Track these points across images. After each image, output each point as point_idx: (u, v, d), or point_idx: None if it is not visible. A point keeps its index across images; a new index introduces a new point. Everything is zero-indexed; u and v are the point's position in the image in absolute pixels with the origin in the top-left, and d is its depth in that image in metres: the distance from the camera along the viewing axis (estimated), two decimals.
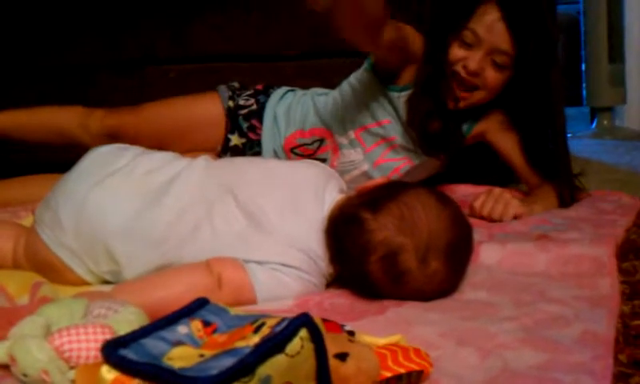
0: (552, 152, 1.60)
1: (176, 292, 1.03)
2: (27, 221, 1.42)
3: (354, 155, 1.62)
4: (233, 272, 1.06)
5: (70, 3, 2.05)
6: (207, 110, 1.73)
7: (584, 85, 3.12)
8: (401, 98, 1.58)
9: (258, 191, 1.14)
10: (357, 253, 1.04)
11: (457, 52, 1.51)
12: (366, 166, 1.62)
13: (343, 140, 1.63)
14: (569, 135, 1.65)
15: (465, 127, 1.64)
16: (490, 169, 1.80)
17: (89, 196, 1.14)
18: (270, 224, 1.10)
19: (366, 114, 1.61)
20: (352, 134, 1.62)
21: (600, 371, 0.79)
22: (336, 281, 1.13)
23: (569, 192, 1.57)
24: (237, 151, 1.70)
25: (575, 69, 3.13)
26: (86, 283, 1.16)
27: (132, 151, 1.23)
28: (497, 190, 1.50)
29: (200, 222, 1.12)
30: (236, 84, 1.77)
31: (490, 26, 1.47)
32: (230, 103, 1.72)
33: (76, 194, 1.15)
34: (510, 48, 1.48)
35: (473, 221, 1.44)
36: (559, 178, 1.57)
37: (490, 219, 1.46)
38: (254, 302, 1.06)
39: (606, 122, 3.09)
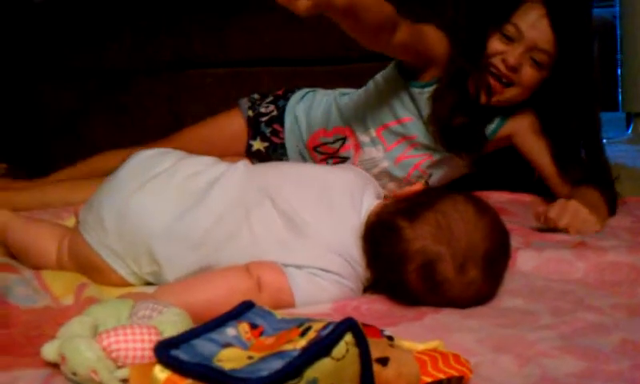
0: (586, 160, 1.59)
1: (217, 295, 1.05)
2: (69, 222, 1.45)
3: (374, 153, 1.63)
4: (272, 275, 1.08)
5: (105, 6, 2.09)
6: (230, 125, 1.80)
7: (620, 90, 3.09)
8: (423, 94, 1.58)
9: (295, 196, 1.16)
10: (394, 261, 1.04)
11: (497, 45, 1.50)
12: (386, 163, 1.63)
13: (365, 138, 1.64)
14: (604, 141, 1.64)
15: (492, 126, 1.62)
16: (521, 174, 1.78)
17: (131, 198, 1.17)
18: (309, 228, 1.12)
19: (387, 111, 1.63)
20: (373, 133, 1.63)
21: (639, 381, 0.79)
22: (373, 285, 1.14)
23: (614, 201, 1.56)
24: (260, 155, 1.74)
25: (611, 73, 3.10)
26: (128, 284, 1.18)
27: (173, 155, 1.26)
28: (572, 204, 1.41)
29: (239, 226, 1.14)
30: (256, 95, 1.81)
31: (533, 22, 1.47)
32: (250, 112, 1.77)
33: (119, 196, 1.18)
34: (551, 47, 1.48)
35: (509, 227, 1.45)
36: (603, 186, 1.54)
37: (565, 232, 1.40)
38: (292, 305, 1.07)
39: None
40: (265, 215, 1.14)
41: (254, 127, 1.75)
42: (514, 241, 1.31)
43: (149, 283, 1.19)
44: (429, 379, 0.77)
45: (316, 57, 1.96)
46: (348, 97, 1.71)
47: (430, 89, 1.57)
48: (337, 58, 1.96)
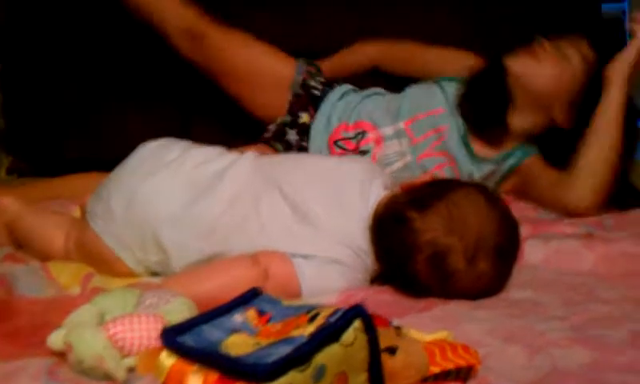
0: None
1: (224, 284, 1.04)
2: (76, 213, 1.45)
3: (397, 147, 1.61)
4: (279, 265, 1.07)
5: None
6: (278, 68, 1.75)
7: None
8: (451, 87, 1.61)
9: (304, 186, 1.16)
10: (403, 252, 1.04)
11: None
12: (409, 158, 1.60)
13: (389, 130, 1.62)
14: None
15: (513, 160, 1.59)
16: None
17: (140, 186, 1.17)
18: (317, 219, 1.11)
19: (420, 103, 1.63)
20: (401, 125, 1.61)
21: None
22: (381, 277, 1.14)
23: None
24: (304, 128, 1.70)
25: None
26: (134, 275, 1.18)
27: (181, 145, 1.26)
28: None
29: (248, 215, 1.13)
30: (314, 67, 1.78)
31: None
32: (301, 78, 1.73)
33: (128, 185, 1.18)
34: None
35: (518, 218, 1.44)
36: None
37: None
38: (298, 295, 1.06)
39: None
40: (274, 205, 1.14)
41: (307, 95, 1.72)
42: (523, 232, 1.31)
43: (155, 274, 1.19)
44: (437, 369, 0.77)
45: (316, 50, 1.92)
46: (382, 96, 1.72)
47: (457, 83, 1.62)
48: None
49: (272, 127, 1.74)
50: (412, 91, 1.68)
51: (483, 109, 1.58)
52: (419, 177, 1.14)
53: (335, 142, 1.65)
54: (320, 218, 1.11)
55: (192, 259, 1.13)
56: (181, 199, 1.16)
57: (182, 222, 1.14)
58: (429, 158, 1.60)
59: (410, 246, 1.02)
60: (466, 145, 1.58)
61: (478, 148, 1.59)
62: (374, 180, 1.18)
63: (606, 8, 2.68)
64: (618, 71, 1.49)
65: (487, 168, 1.58)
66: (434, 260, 1.01)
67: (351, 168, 1.22)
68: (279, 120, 1.73)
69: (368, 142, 1.63)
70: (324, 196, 1.14)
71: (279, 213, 1.13)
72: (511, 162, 1.58)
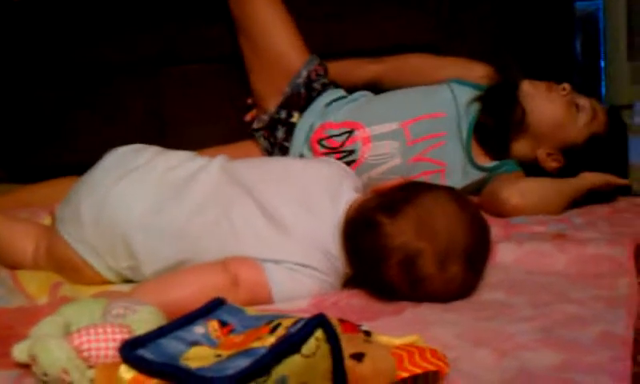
0: None
1: (193, 291, 1.03)
2: (47, 221, 1.43)
3: (387, 148, 1.60)
4: (249, 271, 1.07)
5: (87, 5, 2.06)
6: (292, 56, 1.74)
7: (603, 82, 3.09)
8: (467, 93, 1.63)
9: (273, 191, 1.15)
10: (374, 257, 1.03)
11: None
12: (398, 160, 1.60)
13: (381, 129, 1.61)
14: None
15: (502, 170, 1.60)
16: None
17: (110, 191, 1.16)
18: (287, 223, 1.11)
19: (424, 104, 1.63)
20: (397, 124, 1.61)
21: (618, 372, 0.79)
22: (352, 280, 1.13)
23: None
24: (291, 128, 1.69)
25: (594, 66, 3.10)
26: (105, 282, 1.17)
27: (151, 150, 1.25)
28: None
29: (218, 220, 1.13)
30: (322, 67, 1.76)
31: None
32: (306, 73, 1.72)
33: (97, 190, 1.17)
34: None
35: (488, 219, 1.44)
36: None
37: None
38: (270, 301, 1.06)
39: (625, 120, 3.05)
40: (245, 209, 1.13)
41: (308, 94, 1.71)
42: (494, 233, 1.31)
43: (127, 280, 1.18)
44: (405, 374, 0.76)
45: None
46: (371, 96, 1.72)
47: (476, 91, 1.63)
48: (325, 55, 1.93)
49: (265, 117, 1.73)
50: (415, 91, 1.67)
51: (495, 121, 1.60)
52: (390, 180, 1.14)
53: (319, 141, 1.64)
54: (290, 223, 1.11)
55: (163, 264, 1.13)
56: (150, 204, 1.15)
57: (152, 227, 1.13)
58: (419, 162, 1.59)
59: (381, 251, 1.02)
60: (468, 149, 1.60)
61: (476, 155, 1.61)
62: (343, 182, 1.18)
63: (581, 6, 2.70)
64: (588, 180, 1.53)
65: (478, 175, 1.59)
66: (404, 264, 1.01)
67: (320, 171, 1.22)
68: (273, 113, 1.72)
69: (355, 141, 1.62)
70: (293, 200, 1.14)
71: (250, 217, 1.12)
72: (499, 171, 1.59)
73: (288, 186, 1.16)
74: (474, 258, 1.04)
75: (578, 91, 1.62)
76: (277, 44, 1.75)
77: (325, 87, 1.72)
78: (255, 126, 1.76)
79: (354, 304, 1.04)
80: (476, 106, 1.62)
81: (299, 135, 1.68)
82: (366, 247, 1.05)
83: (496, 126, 1.59)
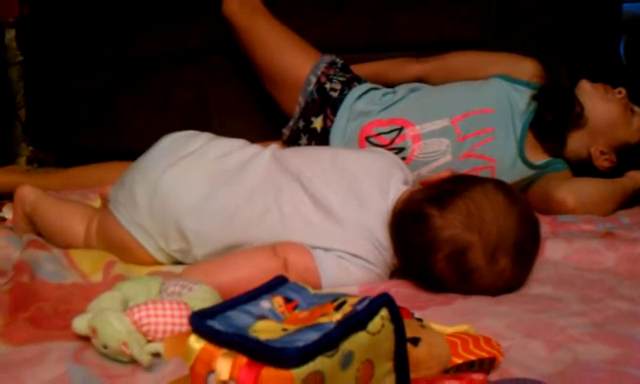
0: None
1: (244, 274, 1.05)
2: (95, 203, 1.46)
3: (437, 145, 1.59)
4: (299, 256, 1.08)
5: None
6: (297, 67, 1.74)
7: None
8: (525, 92, 1.63)
9: (324, 180, 1.16)
10: (422, 249, 1.03)
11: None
12: (449, 157, 1.59)
13: (431, 127, 1.61)
14: None
15: (552, 168, 1.62)
16: None
17: (163, 175, 1.18)
18: (337, 212, 1.11)
19: (473, 99, 1.63)
20: (447, 121, 1.60)
21: None
22: (400, 272, 1.14)
23: None
24: (314, 134, 1.69)
25: (638, 68, 3.06)
26: (156, 263, 1.19)
27: (204, 136, 1.27)
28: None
29: (269, 206, 1.14)
30: (339, 62, 1.76)
31: None
32: (315, 80, 1.71)
33: (151, 174, 1.19)
34: None
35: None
36: None
37: None
38: (318, 287, 1.07)
39: None
40: (295, 197, 1.14)
41: (322, 98, 1.70)
42: (542, 230, 1.30)
43: (177, 262, 1.20)
44: (460, 360, 0.77)
45: (321, 46, 1.91)
46: (424, 90, 1.71)
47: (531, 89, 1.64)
48: (372, 48, 1.93)
49: (286, 131, 1.74)
50: (461, 86, 1.67)
51: (554, 115, 1.60)
52: (438, 173, 1.14)
53: (367, 138, 1.64)
54: (340, 212, 1.11)
55: (213, 248, 1.14)
56: (202, 189, 1.17)
57: (204, 212, 1.15)
58: (469, 159, 1.59)
59: (430, 243, 1.02)
60: (521, 145, 1.60)
61: (528, 151, 1.61)
62: (393, 174, 1.18)
63: (627, 8, 2.66)
64: (636, 180, 1.57)
65: (527, 173, 1.60)
66: (453, 257, 1.01)
67: (371, 162, 1.22)
68: (292, 124, 1.73)
69: (405, 138, 1.61)
70: (344, 190, 1.14)
71: (300, 205, 1.14)
72: (549, 169, 1.60)
73: (339, 175, 1.17)
74: (523, 252, 1.03)
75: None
76: (280, 61, 1.76)
77: (346, 84, 1.71)
78: (281, 139, 1.77)
79: (402, 293, 1.05)
80: (530, 103, 1.62)
81: (334, 139, 1.67)
82: (414, 239, 1.05)
83: (555, 119, 1.60)
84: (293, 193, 1.15)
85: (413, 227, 1.06)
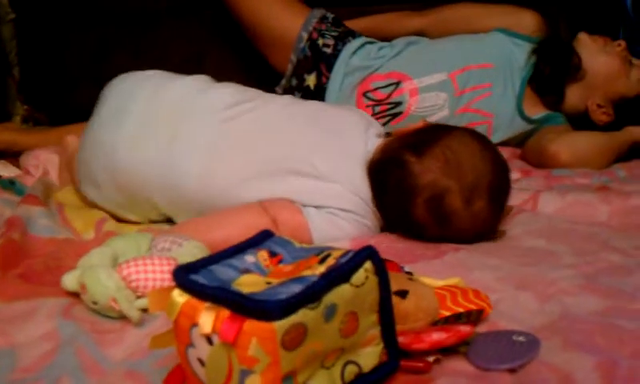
0: None
1: (233, 232, 1.02)
2: None
3: (435, 99, 1.58)
4: (289, 214, 1.08)
5: None
6: (286, 24, 1.70)
7: None
8: (525, 47, 1.62)
9: (308, 136, 1.14)
10: (401, 195, 1.05)
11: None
12: (446, 112, 1.58)
13: (429, 80, 1.59)
14: None
15: (551, 122, 1.60)
16: None
17: (116, 154, 1.13)
18: (324, 169, 1.11)
19: (472, 53, 1.61)
20: (445, 75, 1.59)
21: None
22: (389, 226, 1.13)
23: None
24: (308, 91, 1.66)
25: None
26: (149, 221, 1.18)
27: (148, 87, 1.21)
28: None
29: (247, 163, 1.12)
30: (330, 16, 1.71)
31: None
32: (306, 36, 1.67)
33: (102, 152, 1.15)
34: None
35: (531, 170, 1.43)
36: None
37: None
38: (309, 243, 1.06)
39: None
40: (276, 153, 1.13)
41: (315, 55, 1.66)
42: (536, 183, 1.30)
43: (169, 220, 1.19)
44: (447, 313, 0.77)
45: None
46: (421, 44, 1.68)
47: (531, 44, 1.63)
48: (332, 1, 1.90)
49: (279, 90, 1.72)
50: (461, 40, 1.65)
51: (552, 68, 1.60)
52: (413, 124, 1.15)
53: (364, 93, 1.62)
54: (327, 168, 1.11)
55: (192, 214, 1.13)
56: (160, 161, 1.12)
57: (168, 186, 1.12)
58: (467, 113, 1.58)
59: (409, 189, 1.04)
60: (519, 100, 1.59)
61: (527, 106, 1.60)
62: (369, 128, 1.19)
63: None
64: (633, 134, 1.54)
65: (525, 127, 1.59)
66: (432, 201, 1.03)
67: (350, 116, 1.22)
68: (285, 82, 1.70)
69: (402, 93, 1.60)
70: (329, 145, 1.14)
71: (284, 162, 1.12)
72: (548, 123, 1.59)
73: (323, 129, 1.16)
74: (497, 194, 1.06)
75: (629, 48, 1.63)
76: (268, 18, 1.72)
77: (339, 39, 1.67)
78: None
79: (394, 247, 1.05)
80: (529, 57, 1.61)
81: (330, 95, 1.64)
82: (393, 185, 1.07)
83: (553, 72, 1.59)
84: (274, 150, 1.13)
85: (391, 174, 1.07)
